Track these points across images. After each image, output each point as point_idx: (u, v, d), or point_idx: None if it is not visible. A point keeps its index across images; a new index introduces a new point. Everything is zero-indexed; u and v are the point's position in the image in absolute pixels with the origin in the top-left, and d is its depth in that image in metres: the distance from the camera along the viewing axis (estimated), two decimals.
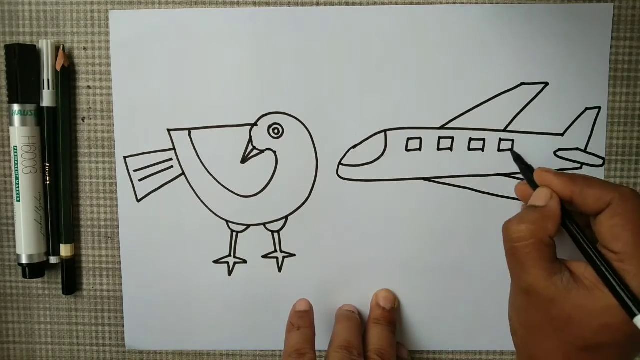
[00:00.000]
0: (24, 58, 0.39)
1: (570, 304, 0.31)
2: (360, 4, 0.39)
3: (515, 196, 0.40)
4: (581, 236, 0.32)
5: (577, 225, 0.33)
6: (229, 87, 0.40)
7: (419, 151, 0.40)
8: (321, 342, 0.39)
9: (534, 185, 0.35)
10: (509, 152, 0.40)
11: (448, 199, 0.40)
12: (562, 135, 0.40)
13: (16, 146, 0.39)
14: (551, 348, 0.32)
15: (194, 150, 0.40)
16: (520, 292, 0.33)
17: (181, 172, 0.41)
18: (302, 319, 0.39)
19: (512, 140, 0.40)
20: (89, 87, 0.40)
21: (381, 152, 0.40)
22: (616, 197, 0.31)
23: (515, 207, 0.40)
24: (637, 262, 0.30)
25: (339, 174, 0.40)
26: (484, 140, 0.40)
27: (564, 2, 0.39)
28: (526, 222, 0.32)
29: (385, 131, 0.40)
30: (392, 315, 0.40)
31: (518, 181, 0.40)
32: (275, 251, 0.41)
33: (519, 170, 0.39)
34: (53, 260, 0.41)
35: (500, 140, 0.40)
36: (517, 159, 0.38)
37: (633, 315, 0.29)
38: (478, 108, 0.39)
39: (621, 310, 0.29)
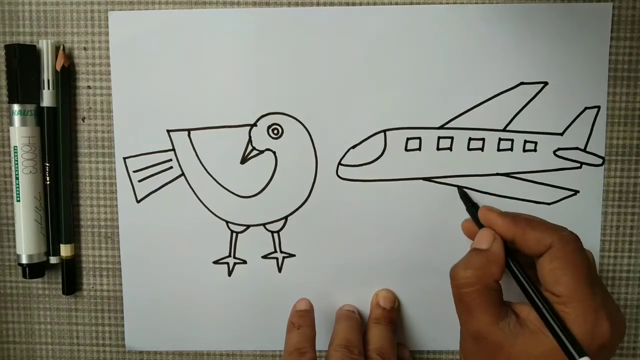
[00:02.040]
0: (24, 58, 0.39)
1: (517, 350, 0.31)
2: (360, 4, 0.39)
3: (515, 196, 0.40)
4: (524, 278, 0.32)
5: (519, 268, 0.33)
6: (228, 88, 0.40)
7: (418, 151, 0.40)
8: (321, 342, 0.39)
9: (480, 224, 0.36)
10: (509, 152, 0.40)
11: (448, 199, 0.40)
12: (561, 134, 0.40)
13: (16, 146, 0.39)
14: None
15: (193, 151, 0.40)
16: (469, 337, 0.33)
17: (181, 172, 0.41)
18: (303, 318, 0.39)
19: (512, 140, 0.40)
20: (89, 87, 0.40)
21: (381, 152, 0.40)
22: (556, 240, 0.31)
23: (516, 208, 0.40)
24: (577, 305, 0.30)
25: (339, 174, 0.40)
26: (483, 140, 0.40)
27: (563, 2, 0.39)
28: (472, 268, 0.33)
29: (384, 131, 0.40)
30: (393, 315, 0.40)
31: (518, 181, 0.40)
32: (275, 251, 0.41)
33: (519, 170, 0.40)
34: (53, 260, 0.41)
35: (500, 139, 0.40)
36: (463, 195, 0.39)
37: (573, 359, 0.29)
38: (477, 108, 0.39)
39: (563, 355, 0.29)
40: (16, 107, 0.39)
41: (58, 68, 0.39)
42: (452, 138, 0.40)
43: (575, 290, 0.30)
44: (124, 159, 0.41)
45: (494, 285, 0.33)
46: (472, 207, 0.38)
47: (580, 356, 0.28)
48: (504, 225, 0.34)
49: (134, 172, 0.41)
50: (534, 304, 0.31)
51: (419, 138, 0.40)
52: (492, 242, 0.34)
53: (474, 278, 0.32)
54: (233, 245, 0.41)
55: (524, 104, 0.39)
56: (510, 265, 0.33)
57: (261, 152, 0.40)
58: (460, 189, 0.39)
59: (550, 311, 0.30)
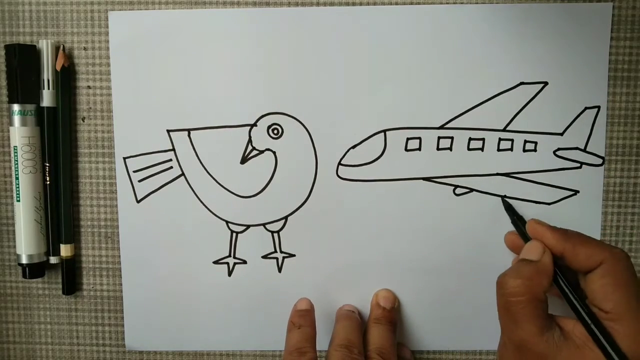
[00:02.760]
0: (24, 58, 0.39)
1: None
2: (360, 4, 0.39)
3: (515, 196, 0.40)
4: (572, 293, 0.33)
5: (568, 282, 0.33)
6: (228, 88, 0.40)
7: (418, 151, 0.40)
8: (321, 342, 0.39)
9: (525, 237, 0.36)
10: (509, 152, 0.40)
11: (448, 199, 0.40)
12: (561, 134, 0.40)
13: (16, 146, 0.39)
14: None
15: (193, 151, 0.40)
16: (512, 345, 0.33)
17: (181, 172, 0.41)
18: (303, 318, 0.39)
19: (512, 140, 0.40)
20: (89, 87, 0.40)
21: (381, 152, 0.40)
22: (607, 256, 0.32)
23: (516, 208, 0.40)
24: (627, 323, 0.30)
25: (339, 174, 0.40)
26: (483, 140, 0.40)
27: (563, 2, 0.39)
28: (522, 277, 0.33)
29: (384, 131, 0.40)
30: (393, 315, 0.40)
31: (518, 181, 0.40)
32: (275, 251, 0.41)
33: (519, 170, 0.40)
34: (53, 260, 0.41)
35: (500, 139, 0.40)
36: (509, 209, 0.39)
37: None
38: (477, 108, 0.39)
39: None
40: (16, 107, 0.39)
41: (58, 68, 0.39)
42: (452, 138, 0.40)
43: (626, 307, 0.30)
44: (124, 159, 0.41)
45: (542, 296, 0.33)
46: (518, 219, 0.38)
47: None
48: (555, 238, 0.34)
49: (134, 172, 0.41)
50: (582, 319, 0.32)
51: (419, 138, 0.40)
52: (542, 254, 0.34)
53: (523, 287, 0.32)
54: (233, 245, 0.41)
55: (524, 104, 0.39)
56: (558, 278, 0.34)
57: (261, 152, 0.40)
58: (505, 201, 0.39)
59: (600, 327, 0.31)
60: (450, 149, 0.40)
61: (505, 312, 0.33)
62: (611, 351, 0.30)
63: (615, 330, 0.30)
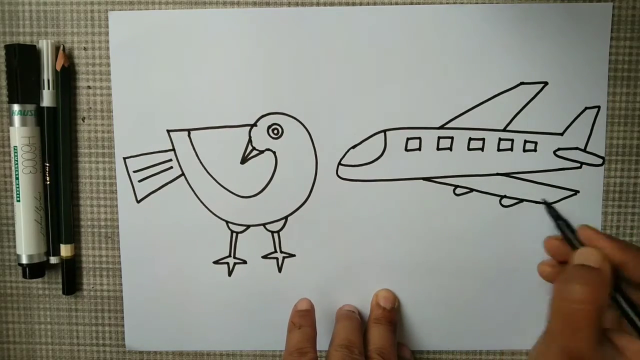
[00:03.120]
0: (24, 58, 0.39)
1: None
2: (360, 4, 0.39)
3: (515, 196, 0.40)
4: (632, 307, 0.31)
5: (625, 294, 0.31)
6: (228, 88, 0.40)
7: (418, 151, 0.40)
8: (321, 342, 0.39)
9: (574, 244, 0.34)
10: (509, 152, 0.40)
11: (448, 199, 0.40)
12: (561, 134, 0.40)
13: (16, 146, 0.39)
14: None
15: (193, 151, 0.40)
16: (561, 353, 0.31)
17: (181, 172, 0.41)
18: (304, 318, 0.39)
19: (512, 140, 0.40)
20: (89, 87, 0.40)
21: (381, 152, 0.40)
22: None
23: (517, 208, 0.40)
24: None
25: (339, 174, 0.40)
26: (483, 140, 0.40)
27: (563, 2, 0.39)
28: (590, 284, 0.30)
29: (384, 131, 0.40)
30: (393, 315, 0.40)
31: (518, 181, 0.40)
32: (275, 251, 0.41)
33: (519, 170, 0.39)
34: (53, 260, 0.41)
35: (500, 140, 0.40)
36: (552, 211, 0.36)
37: None
38: (477, 108, 0.39)
39: None
40: (16, 107, 0.39)
41: (58, 68, 0.39)
42: (452, 138, 0.40)
43: None
44: (124, 159, 0.41)
45: (606, 306, 0.31)
46: (564, 223, 0.35)
47: None
48: (615, 248, 0.31)
49: (134, 172, 0.41)
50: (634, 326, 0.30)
51: (419, 138, 0.40)
52: (601, 262, 0.31)
53: (591, 295, 0.30)
54: (233, 245, 0.41)
55: (524, 104, 0.39)
56: (614, 290, 0.31)
57: (261, 152, 0.40)
58: (549, 205, 0.36)
59: None
60: (450, 149, 0.40)
61: (566, 319, 0.30)
62: None
63: None
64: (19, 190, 0.40)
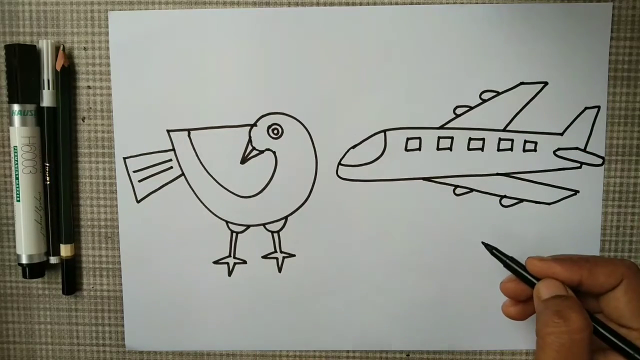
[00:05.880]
0: (24, 58, 0.39)
1: None
2: (360, 4, 0.39)
3: (515, 196, 0.40)
4: (604, 326, 0.31)
5: (591, 314, 0.31)
6: (228, 88, 0.40)
7: (418, 151, 0.40)
8: (328, 341, 0.39)
9: (527, 279, 0.33)
10: (509, 152, 0.40)
11: (448, 199, 0.40)
12: (561, 134, 0.40)
13: (16, 146, 0.39)
14: None
15: (193, 151, 0.40)
16: None
17: (181, 172, 0.41)
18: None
19: (512, 140, 0.40)
20: (89, 87, 0.40)
21: (381, 152, 0.40)
22: (625, 270, 0.30)
23: (517, 208, 0.40)
24: None
25: (339, 174, 0.40)
26: (483, 140, 0.40)
27: (563, 2, 0.39)
28: (578, 311, 0.30)
29: (384, 131, 0.40)
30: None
31: (518, 181, 0.40)
32: (275, 251, 0.41)
33: (519, 170, 0.39)
34: (53, 260, 0.41)
35: (500, 139, 0.40)
36: (496, 253, 0.35)
37: None
38: (477, 108, 0.39)
39: None
40: (16, 107, 0.39)
41: (58, 68, 0.39)
42: (452, 138, 0.40)
43: None
44: (124, 159, 0.41)
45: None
46: (512, 261, 0.35)
47: None
48: (568, 270, 0.31)
49: (134, 172, 0.41)
50: (620, 349, 0.30)
51: (419, 138, 0.40)
52: (566, 289, 0.31)
53: (586, 321, 0.29)
54: (233, 245, 0.41)
55: (524, 104, 0.39)
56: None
57: (261, 152, 0.40)
58: (489, 245, 0.36)
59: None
60: (450, 149, 0.40)
61: (570, 350, 0.29)
62: None
63: None
64: (19, 190, 0.40)
